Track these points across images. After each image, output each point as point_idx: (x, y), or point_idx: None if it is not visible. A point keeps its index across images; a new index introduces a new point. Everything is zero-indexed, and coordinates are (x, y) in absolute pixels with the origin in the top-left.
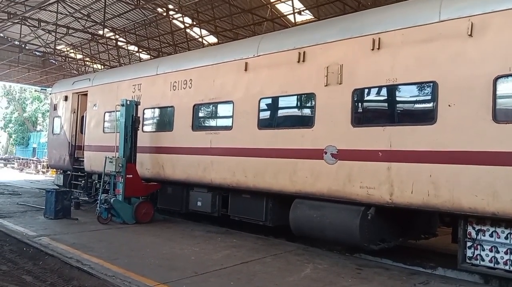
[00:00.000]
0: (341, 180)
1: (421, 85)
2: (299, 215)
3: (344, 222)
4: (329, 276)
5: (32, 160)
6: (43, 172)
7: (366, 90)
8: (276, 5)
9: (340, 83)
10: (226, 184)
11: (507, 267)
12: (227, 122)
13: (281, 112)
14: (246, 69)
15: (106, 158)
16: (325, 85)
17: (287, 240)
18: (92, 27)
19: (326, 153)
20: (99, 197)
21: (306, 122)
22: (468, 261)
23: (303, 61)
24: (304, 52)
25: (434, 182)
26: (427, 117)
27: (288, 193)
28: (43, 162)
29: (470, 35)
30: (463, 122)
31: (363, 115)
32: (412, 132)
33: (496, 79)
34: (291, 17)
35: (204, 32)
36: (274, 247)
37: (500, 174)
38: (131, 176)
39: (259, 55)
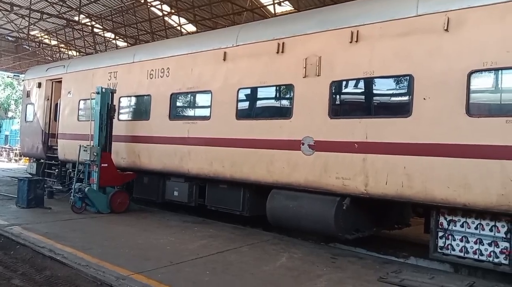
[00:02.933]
0: (318, 170)
1: (397, 78)
2: (275, 205)
3: (319, 212)
4: (304, 265)
5: (4, 148)
6: (16, 160)
7: (344, 83)
8: None
9: (318, 75)
10: (203, 174)
11: (476, 256)
12: (205, 112)
13: (259, 103)
14: (224, 59)
15: (80, 146)
16: (303, 77)
17: (263, 229)
18: (67, 13)
19: (303, 144)
20: (73, 186)
21: (284, 113)
22: (439, 250)
23: (282, 52)
24: (283, 43)
25: (408, 174)
26: (402, 110)
27: (265, 183)
28: (16, 149)
29: (446, 30)
30: (437, 116)
31: (340, 107)
32: (388, 124)
33: (470, 74)
34: (271, 8)
35: (182, 20)
36: (250, 236)
37: (472, 166)
38: (106, 165)
39: (238, 45)
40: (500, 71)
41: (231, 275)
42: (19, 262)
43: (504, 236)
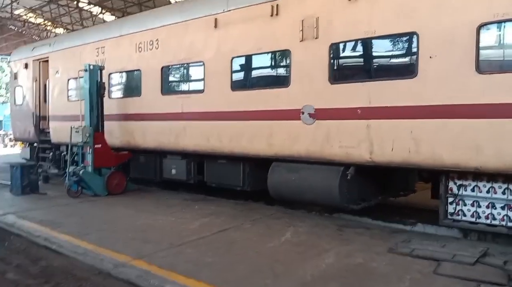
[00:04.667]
0: (320, 140)
1: (401, 36)
2: (277, 178)
3: (323, 183)
4: (310, 239)
5: None
6: (12, 145)
7: (344, 45)
8: None
9: (316, 38)
10: (201, 150)
11: (488, 221)
12: (199, 84)
13: (255, 72)
14: (216, 26)
15: (72, 128)
16: (300, 41)
17: (266, 203)
18: None
19: (303, 113)
20: (67, 170)
21: (281, 81)
22: (449, 217)
23: (277, 14)
24: (277, 5)
25: (415, 138)
26: (407, 70)
27: (265, 156)
28: (11, 134)
29: None
30: (445, 75)
31: (341, 72)
32: (392, 87)
33: (479, 28)
34: None
35: None
36: (253, 211)
37: (483, 127)
38: (99, 145)
39: (229, 10)
40: None
41: (235, 254)
42: (14, 254)
43: None
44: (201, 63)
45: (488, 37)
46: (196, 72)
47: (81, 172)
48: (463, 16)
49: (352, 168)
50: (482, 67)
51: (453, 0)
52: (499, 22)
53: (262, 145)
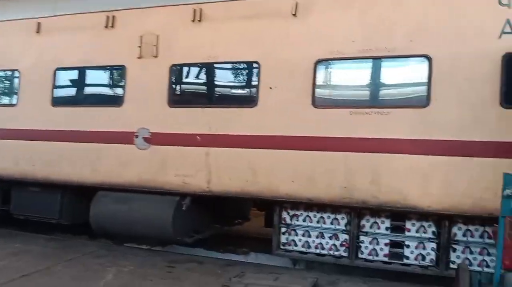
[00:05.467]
0: (154, 167)
1: (243, 65)
2: (101, 210)
3: (155, 215)
4: (135, 280)
5: None
6: None
7: (186, 67)
8: None
9: (156, 57)
10: (7, 175)
11: (318, 251)
12: (10, 96)
13: (83, 87)
14: (38, 31)
15: None
16: (138, 58)
17: (89, 238)
18: None
19: (137, 136)
20: None
21: (114, 100)
22: (282, 247)
23: (112, 26)
24: (113, 17)
25: (253, 168)
26: (248, 100)
27: (90, 184)
28: None
29: (294, 14)
30: (283, 107)
31: (182, 95)
32: (233, 115)
33: (317, 63)
34: None
35: None
36: (69, 249)
37: (317, 159)
38: None
39: (56, 15)
40: (345, 62)
41: None
42: None
43: (344, 228)
44: (16, 72)
45: (325, 72)
46: (8, 82)
47: None
48: (302, 51)
49: (188, 198)
50: (318, 101)
51: (294, 33)
52: (335, 59)
53: (86, 171)
